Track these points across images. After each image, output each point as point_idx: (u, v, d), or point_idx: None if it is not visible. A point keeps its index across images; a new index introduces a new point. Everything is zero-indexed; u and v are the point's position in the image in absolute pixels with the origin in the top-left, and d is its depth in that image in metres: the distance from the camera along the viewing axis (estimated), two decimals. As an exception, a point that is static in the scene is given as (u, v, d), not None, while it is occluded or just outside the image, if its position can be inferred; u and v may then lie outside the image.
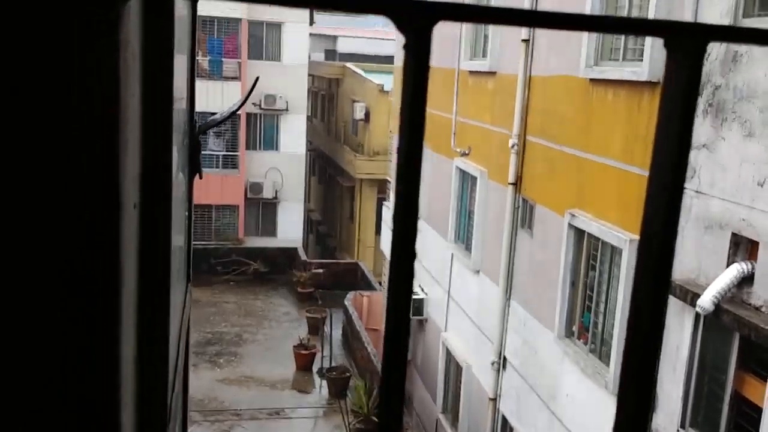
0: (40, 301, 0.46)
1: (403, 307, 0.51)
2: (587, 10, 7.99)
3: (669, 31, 0.49)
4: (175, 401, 1.32)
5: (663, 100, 0.52)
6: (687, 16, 6.32)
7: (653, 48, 6.84)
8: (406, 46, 0.46)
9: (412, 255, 0.49)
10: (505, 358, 10.22)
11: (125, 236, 0.50)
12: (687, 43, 0.49)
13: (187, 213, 1.63)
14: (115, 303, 0.46)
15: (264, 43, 24.94)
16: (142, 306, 0.65)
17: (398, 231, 0.46)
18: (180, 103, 1.45)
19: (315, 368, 16.80)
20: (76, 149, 0.43)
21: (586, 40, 8.04)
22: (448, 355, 12.41)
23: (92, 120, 0.44)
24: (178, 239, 1.41)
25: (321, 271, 21.75)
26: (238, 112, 24.04)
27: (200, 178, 1.70)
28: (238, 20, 24.09)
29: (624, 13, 7.63)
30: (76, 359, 0.48)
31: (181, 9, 1.31)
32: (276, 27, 24.98)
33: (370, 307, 17.42)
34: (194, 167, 1.61)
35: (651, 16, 6.84)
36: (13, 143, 0.44)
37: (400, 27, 0.45)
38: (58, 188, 0.44)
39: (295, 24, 24.89)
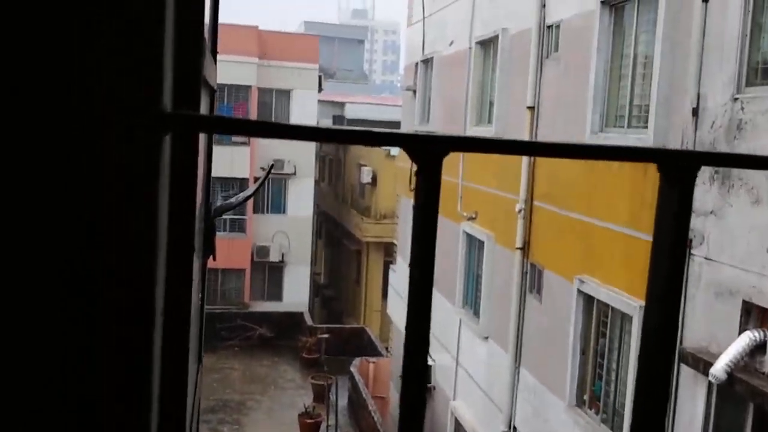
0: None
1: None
2: (590, 92, 8.17)
3: (662, 157, 0.53)
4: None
5: (657, 219, 0.55)
6: (690, 87, 6.46)
7: (658, 115, 6.96)
8: (418, 172, 0.50)
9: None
10: (515, 428, 9.99)
11: (156, 348, 0.53)
12: (678, 168, 0.53)
13: (200, 295, 1.65)
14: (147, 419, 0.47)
15: (273, 109, 25.47)
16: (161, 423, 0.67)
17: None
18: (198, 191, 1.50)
19: (321, 437, 16.41)
20: (112, 265, 0.46)
21: (591, 106, 8.19)
22: (457, 424, 12.14)
23: (132, 238, 0.47)
24: (193, 321, 1.43)
25: (326, 336, 21.52)
26: (246, 176, 24.33)
27: (214, 259, 1.73)
28: (248, 87, 24.67)
29: (627, 87, 7.79)
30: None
31: (204, 101, 1.38)
32: (285, 93, 25.54)
33: (376, 373, 17.17)
34: (209, 249, 1.65)
35: (654, 88, 6.99)
36: (44, 254, 0.46)
37: (413, 157, 0.49)
38: (97, 307, 0.47)
39: (304, 90, 25.45)
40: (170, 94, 0.59)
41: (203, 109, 1.20)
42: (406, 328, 0.54)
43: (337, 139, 0.48)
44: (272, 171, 25.06)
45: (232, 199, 2.18)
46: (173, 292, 0.69)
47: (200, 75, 0.75)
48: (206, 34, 1.55)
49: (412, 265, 0.52)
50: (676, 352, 6.37)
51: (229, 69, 23.94)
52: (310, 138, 0.48)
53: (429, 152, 0.48)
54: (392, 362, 16.94)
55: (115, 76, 0.44)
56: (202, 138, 1.45)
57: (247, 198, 2.41)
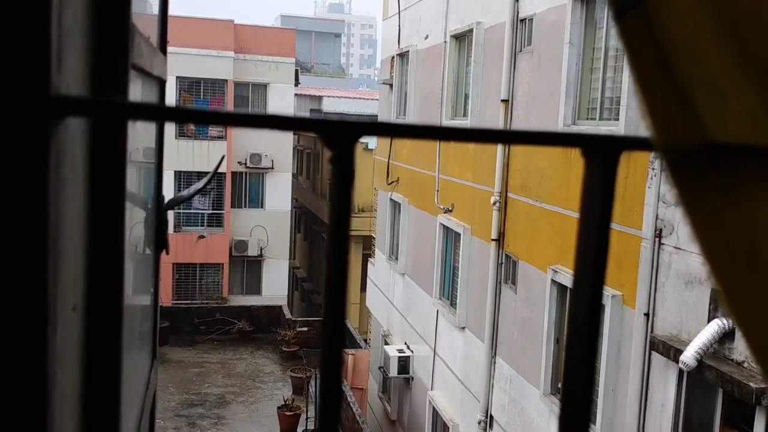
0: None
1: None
2: (563, 85, 8.22)
3: (585, 142, 0.53)
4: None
5: (582, 203, 0.54)
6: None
7: (629, 107, 7.02)
8: (331, 160, 0.49)
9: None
10: (491, 417, 10.07)
11: (59, 341, 0.51)
12: (602, 152, 0.52)
13: (152, 289, 1.63)
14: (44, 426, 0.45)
15: (250, 103, 25.30)
16: (87, 419, 0.64)
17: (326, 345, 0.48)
18: (147, 180, 1.47)
19: (300, 430, 16.42)
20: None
21: (563, 99, 8.24)
22: (435, 413, 12.21)
23: (15, 229, 0.44)
24: (142, 316, 1.41)
25: (306, 329, 21.51)
26: (224, 171, 24.15)
27: (167, 253, 1.71)
28: (224, 81, 24.46)
29: (599, 79, 7.85)
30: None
31: (149, 92, 1.35)
32: (262, 87, 25.37)
33: (355, 365, 17.19)
34: (161, 243, 1.62)
35: (625, 80, 7.05)
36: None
37: (326, 143, 0.48)
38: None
39: (281, 84, 25.31)
40: (82, 80, 0.57)
41: (145, 100, 1.18)
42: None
43: (246, 123, 0.46)
44: (250, 166, 24.91)
45: (184, 192, 2.16)
46: (98, 286, 0.67)
47: (126, 61, 0.73)
48: (155, 26, 1.52)
49: (327, 263, 0.50)
50: (647, 339, 6.45)
51: (205, 63, 23.73)
52: (218, 123, 0.46)
53: (341, 137, 0.47)
54: (371, 354, 16.97)
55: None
56: (148, 128, 1.43)
57: (199, 190, 2.38)
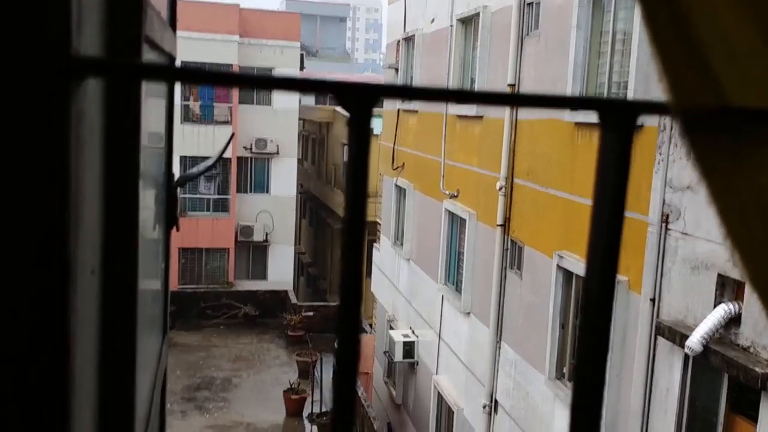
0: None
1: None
2: (570, 69, 8.17)
3: (600, 106, 0.53)
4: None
5: (598, 169, 0.54)
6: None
7: (636, 91, 6.98)
8: (349, 122, 0.49)
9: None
10: (496, 401, 10.12)
11: (79, 303, 0.51)
12: (617, 117, 0.52)
13: (164, 265, 1.64)
14: (66, 385, 0.45)
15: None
16: (103, 381, 0.65)
17: (343, 299, 0.48)
18: (157, 158, 1.48)
19: (305, 413, 16.55)
20: (19, 224, 0.44)
21: (570, 83, 8.20)
22: (440, 398, 12.27)
23: (36, 193, 0.44)
24: (154, 292, 1.42)
25: (311, 314, 21.61)
26: (230, 156, 24.16)
27: (177, 230, 1.72)
28: (229, 66, 24.40)
29: (607, 63, 7.79)
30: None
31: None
32: (267, 72, 25.29)
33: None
34: (171, 220, 1.63)
35: (633, 64, 7.00)
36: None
37: (344, 105, 0.48)
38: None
39: (286, 69, 25.24)
40: (98, 46, 0.57)
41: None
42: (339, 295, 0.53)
43: (261, 85, 0.46)
44: (256, 151, 24.91)
45: (194, 169, 2.18)
46: (114, 249, 0.68)
47: (139, 32, 0.73)
48: (165, 3, 1.52)
49: (343, 227, 0.51)
50: (653, 324, 6.46)
51: (209, 47, 23.67)
52: (235, 84, 0.47)
53: (359, 99, 0.47)
54: (375, 338, 17.04)
55: (11, 15, 0.42)
56: (158, 100, 1.43)
57: (208, 168, 2.40)
